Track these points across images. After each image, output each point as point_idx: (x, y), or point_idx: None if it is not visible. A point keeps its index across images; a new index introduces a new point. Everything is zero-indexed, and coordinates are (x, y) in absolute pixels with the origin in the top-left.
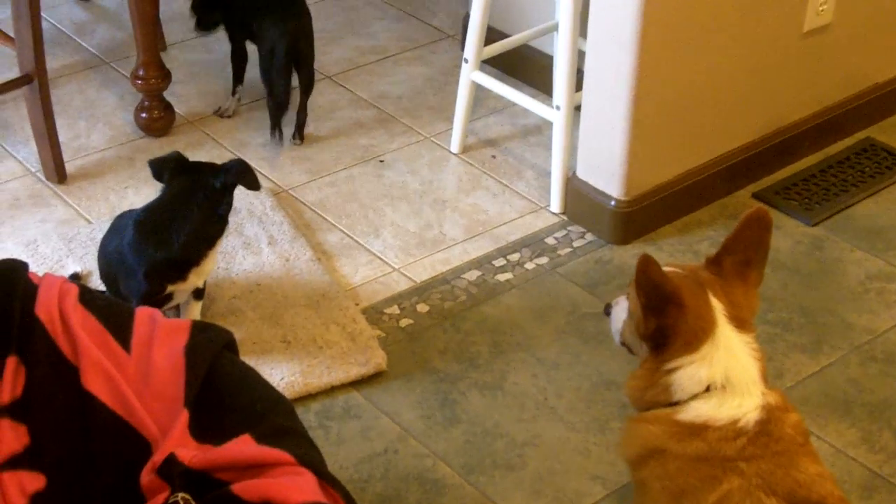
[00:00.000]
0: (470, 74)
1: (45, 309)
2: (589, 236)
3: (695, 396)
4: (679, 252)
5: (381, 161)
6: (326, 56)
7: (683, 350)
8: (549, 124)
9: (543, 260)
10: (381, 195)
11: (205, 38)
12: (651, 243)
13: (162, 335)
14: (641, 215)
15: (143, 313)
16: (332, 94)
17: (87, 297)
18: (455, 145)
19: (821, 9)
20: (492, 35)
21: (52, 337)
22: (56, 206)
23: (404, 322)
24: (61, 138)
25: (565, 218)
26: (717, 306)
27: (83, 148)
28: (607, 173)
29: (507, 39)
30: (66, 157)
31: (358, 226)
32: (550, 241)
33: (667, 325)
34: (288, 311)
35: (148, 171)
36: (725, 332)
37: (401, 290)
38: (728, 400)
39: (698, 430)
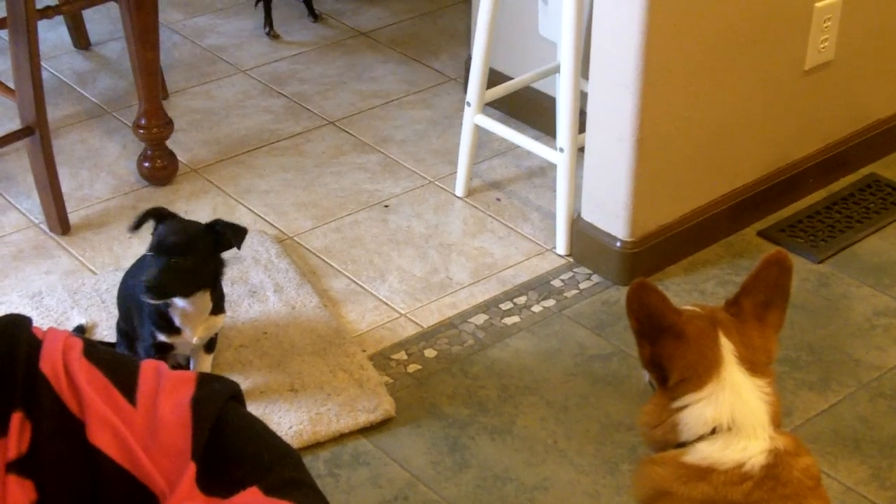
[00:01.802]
0: (473, 118)
1: (49, 364)
2: (595, 277)
3: (701, 438)
4: (685, 292)
5: (386, 206)
6: (329, 101)
7: (688, 387)
8: (554, 166)
9: (550, 302)
10: (386, 240)
11: (207, 86)
12: (657, 283)
13: (168, 388)
14: (647, 256)
15: (148, 366)
16: (335, 139)
17: (92, 351)
18: (460, 188)
19: (822, 46)
20: (494, 78)
21: (57, 392)
22: (60, 258)
23: (412, 367)
24: (64, 188)
25: (571, 260)
26: (728, 346)
27: (86, 198)
28: (612, 214)
29: (509, 82)
30: (69, 207)
31: (364, 271)
32: (557, 283)
33: (662, 354)
34: (295, 358)
35: (151, 222)
36: (733, 372)
37: (408, 335)
38: (734, 443)
39: (704, 473)
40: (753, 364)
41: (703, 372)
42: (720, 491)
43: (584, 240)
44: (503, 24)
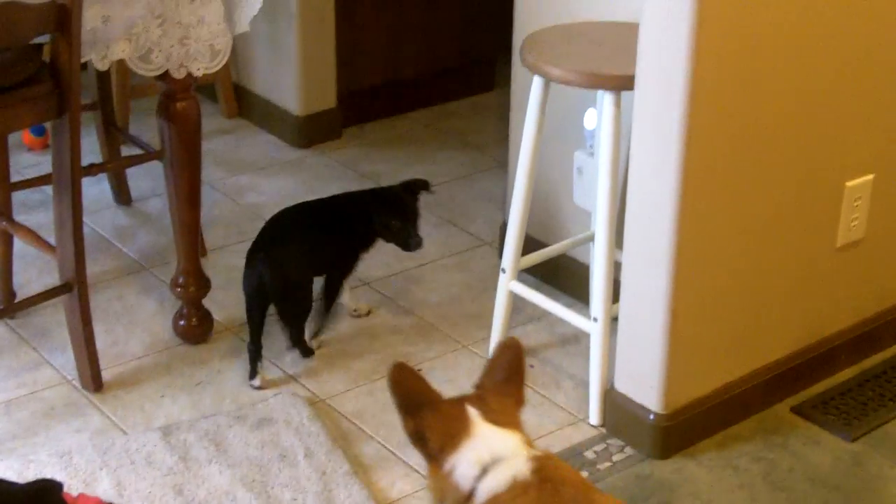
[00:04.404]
0: (507, 284)
1: None
2: (628, 450)
3: (478, 480)
4: (719, 467)
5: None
6: (365, 262)
7: (449, 450)
8: (588, 333)
9: (583, 474)
10: None
11: (246, 244)
12: (691, 458)
13: None
14: (681, 429)
15: None
16: (370, 301)
17: None
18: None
19: (853, 224)
20: (529, 244)
21: None
22: (91, 416)
23: None
24: (99, 345)
25: (604, 430)
26: (473, 412)
27: (121, 355)
28: (646, 386)
29: (543, 250)
30: (102, 363)
31: (395, 437)
32: (590, 454)
33: (423, 426)
34: None
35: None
36: (482, 427)
37: None
38: (502, 468)
39: None
40: (501, 421)
41: (456, 434)
42: None
43: (618, 411)
44: (538, 191)
